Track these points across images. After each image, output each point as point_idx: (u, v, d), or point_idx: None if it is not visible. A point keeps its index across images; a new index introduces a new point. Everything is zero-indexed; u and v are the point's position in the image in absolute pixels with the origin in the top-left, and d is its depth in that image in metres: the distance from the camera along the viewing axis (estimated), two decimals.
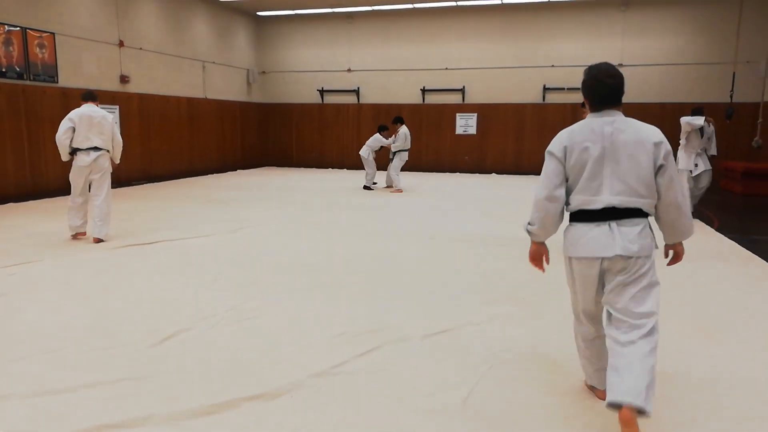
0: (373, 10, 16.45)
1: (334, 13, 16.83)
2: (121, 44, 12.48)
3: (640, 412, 2.40)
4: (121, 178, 12.34)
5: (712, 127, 8.64)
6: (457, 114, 16.64)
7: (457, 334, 3.82)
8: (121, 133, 11.88)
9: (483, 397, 2.96)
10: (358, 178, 14.74)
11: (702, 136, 8.58)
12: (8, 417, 2.74)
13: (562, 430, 2.68)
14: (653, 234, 2.67)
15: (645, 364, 2.48)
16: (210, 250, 6.26)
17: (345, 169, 17.12)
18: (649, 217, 2.69)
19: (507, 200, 10.69)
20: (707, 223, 8.22)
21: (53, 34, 10.80)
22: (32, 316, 4.11)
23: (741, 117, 14.00)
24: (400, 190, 11.83)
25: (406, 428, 2.68)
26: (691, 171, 8.61)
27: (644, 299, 2.60)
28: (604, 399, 2.70)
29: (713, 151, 8.84)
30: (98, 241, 6.50)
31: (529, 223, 2.92)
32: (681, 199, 2.69)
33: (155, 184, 12.73)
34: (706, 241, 7.01)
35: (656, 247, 2.66)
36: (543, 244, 2.98)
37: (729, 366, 3.38)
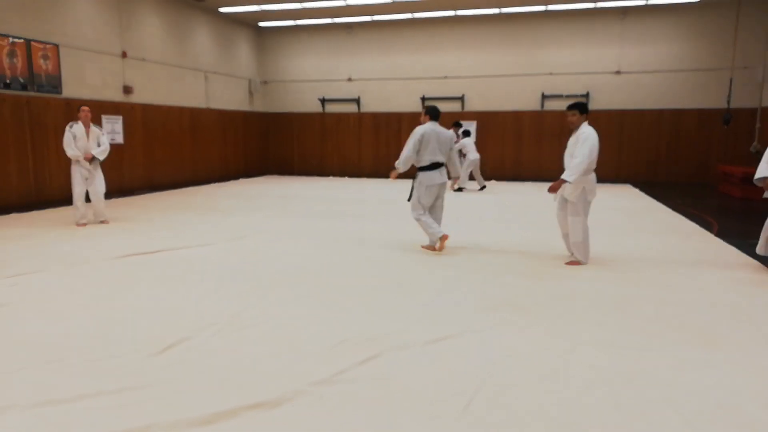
0: (373, 21, 16.53)
1: (334, 23, 16.92)
2: (124, 55, 12.57)
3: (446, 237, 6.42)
4: (124, 188, 12.41)
5: None
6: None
7: (457, 342, 3.82)
8: (124, 143, 12.22)
9: (484, 404, 2.96)
10: (359, 186, 14.78)
11: None
12: (10, 427, 2.74)
13: None
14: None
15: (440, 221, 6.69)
16: (212, 258, 6.28)
17: (346, 177, 17.16)
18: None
19: (506, 207, 10.70)
20: (706, 228, 8.20)
21: (57, 45, 10.89)
22: (34, 326, 4.12)
23: (739, 122, 14.06)
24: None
25: None
26: None
27: (443, 200, 6.67)
28: (445, 238, 6.46)
29: None
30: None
31: (398, 163, 6.36)
32: (456, 156, 6.78)
33: (158, 193, 12.76)
34: (705, 246, 7.02)
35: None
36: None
37: (728, 372, 3.37)
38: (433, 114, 6.47)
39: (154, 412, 2.84)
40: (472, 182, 13.94)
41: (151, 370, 3.35)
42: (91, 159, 8.28)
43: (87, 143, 8.20)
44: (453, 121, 13.66)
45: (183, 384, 3.18)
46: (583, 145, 5.62)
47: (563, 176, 5.75)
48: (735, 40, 13.69)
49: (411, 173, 6.59)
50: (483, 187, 13.57)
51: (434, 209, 6.67)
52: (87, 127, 8.24)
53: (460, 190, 13.24)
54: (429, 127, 6.35)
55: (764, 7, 13.96)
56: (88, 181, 8.30)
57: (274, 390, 3.09)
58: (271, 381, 3.21)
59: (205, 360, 3.51)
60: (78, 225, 8.20)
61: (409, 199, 6.59)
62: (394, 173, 6.55)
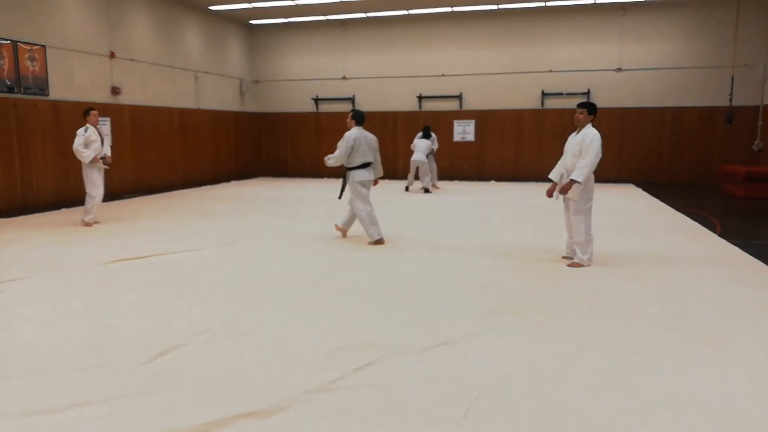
0: (367, 17, 16.45)
1: (328, 20, 16.83)
2: (112, 55, 12.42)
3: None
4: (113, 191, 12.22)
5: None
6: (455, 121, 16.61)
7: (456, 347, 3.75)
8: (113, 145, 12.27)
9: (484, 410, 2.89)
10: None
11: None
12: None
13: None
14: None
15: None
16: (203, 263, 6.18)
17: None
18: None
19: (506, 208, 10.63)
20: (709, 228, 8.12)
21: (44, 46, 10.73)
22: (23, 334, 4.04)
23: (741, 120, 14.04)
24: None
25: None
26: None
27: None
28: (382, 243, 7.11)
29: None
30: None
31: (329, 159, 7.09)
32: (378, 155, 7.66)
33: (148, 196, 12.61)
34: (708, 247, 6.96)
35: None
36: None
37: (731, 374, 3.32)
38: (359, 119, 7.11)
39: (146, 422, 2.80)
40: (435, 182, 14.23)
41: (142, 379, 3.28)
42: (107, 161, 8.55)
43: (100, 146, 8.41)
44: (424, 126, 14.04)
45: (175, 393, 3.12)
46: (590, 146, 5.71)
47: (572, 177, 5.78)
48: (736, 37, 13.63)
49: (338, 172, 7.33)
50: (407, 188, 13.62)
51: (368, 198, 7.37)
52: (97, 129, 8.45)
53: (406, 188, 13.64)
54: (357, 132, 7.03)
55: (765, 4, 13.97)
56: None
57: (268, 398, 3.02)
58: (266, 389, 3.15)
59: (197, 368, 3.44)
60: (88, 224, 8.39)
61: (339, 197, 7.51)
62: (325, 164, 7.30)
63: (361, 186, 7.08)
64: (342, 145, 6.97)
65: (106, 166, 8.55)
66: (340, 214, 9.36)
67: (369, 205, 7.16)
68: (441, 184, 14.93)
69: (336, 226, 7.57)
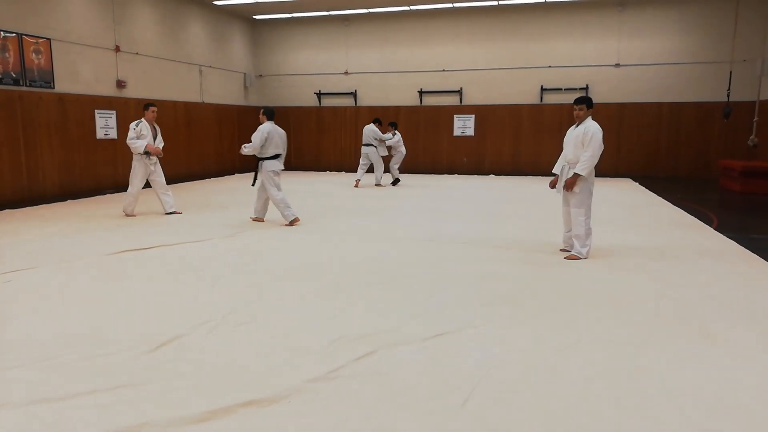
0: (369, 13, 16.45)
1: (330, 15, 16.84)
2: (117, 49, 12.47)
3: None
4: (118, 183, 12.33)
5: None
6: (455, 115, 16.63)
7: (455, 338, 3.79)
8: (118, 139, 12.22)
9: (482, 400, 2.94)
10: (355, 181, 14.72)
11: None
12: (4, 425, 2.71)
13: None
14: None
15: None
16: (207, 255, 6.24)
17: (343, 172, 17.08)
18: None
19: (505, 201, 10.67)
20: (706, 222, 8.17)
21: (49, 39, 10.79)
22: (28, 324, 4.08)
23: (738, 115, 14.04)
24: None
25: None
26: None
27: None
28: (297, 222, 7.98)
29: None
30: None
31: (245, 147, 7.81)
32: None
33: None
34: (704, 240, 7.00)
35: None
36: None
37: (727, 367, 3.35)
38: (270, 115, 7.96)
39: (149, 410, 2.82)
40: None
41: (146, 368, 3.32)
42: (158, 153, 8.76)
43: (152, 140, 8.66)
44: (374, 118, 14.00)
45: (178, 381, 3.15)
46: (593, 139, 5.77)
47: (576, 170, 5.84)
48: (734, 32, 13.63)
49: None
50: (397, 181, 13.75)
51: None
52: (152, 124, 8.70)
53: (397, 181, 13.53)
54: (270, 126, 7.82)
55: (763, 0, 13.92)
56: (151, 174, 8.76)
57: (270, 387, 3.06)
58: (267, 378, 3.19)
59: (200, 357, 3.48)
60: (129, 215, 8.68)
61: (253, 185, 8.26)
62: (240, 152, 8.00)
63: (273, 174, 7.87)
64: (257, 137, 7.74)
65: (154, 158, 8.71)
66: (340, 208, 9.50)
67: (281, 191, 7.93)
68: (441, 177, 14.99)
69: (251, 218, 8.30)
